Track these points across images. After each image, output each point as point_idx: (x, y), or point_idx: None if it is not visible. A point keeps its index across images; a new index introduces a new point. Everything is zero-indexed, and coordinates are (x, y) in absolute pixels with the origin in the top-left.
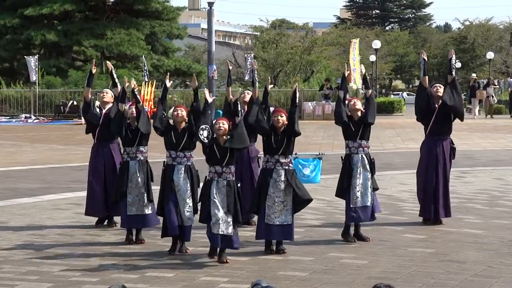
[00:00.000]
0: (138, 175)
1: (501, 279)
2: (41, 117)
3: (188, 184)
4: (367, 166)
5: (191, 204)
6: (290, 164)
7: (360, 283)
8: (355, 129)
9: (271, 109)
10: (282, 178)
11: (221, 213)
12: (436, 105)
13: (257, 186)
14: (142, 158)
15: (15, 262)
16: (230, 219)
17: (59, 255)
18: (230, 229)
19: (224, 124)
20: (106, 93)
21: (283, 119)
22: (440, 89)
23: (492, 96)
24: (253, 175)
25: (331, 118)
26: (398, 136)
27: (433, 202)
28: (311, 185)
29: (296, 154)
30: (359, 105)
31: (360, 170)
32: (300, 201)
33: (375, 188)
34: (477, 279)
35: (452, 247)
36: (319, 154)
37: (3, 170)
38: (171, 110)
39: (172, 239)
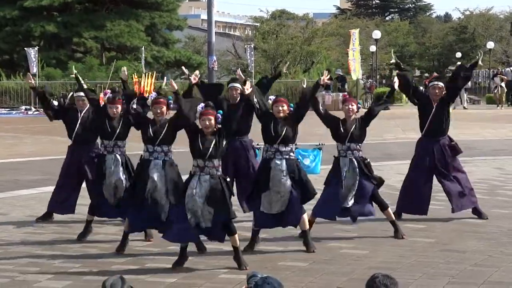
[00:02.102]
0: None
1: (501, 268)
2: (41, 109)
3: (164, 179)
4: (357, 170)
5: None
6: (292, 154)
7: (360, 273)
8: (344, 131)
9: (271, 98)
10: (282, 168)
11: (198, 208)
12: (434, 105)
13: (256, 177)
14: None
15: (15, 254)
16: (210, 213)
17: (59, 247)
18: (207, 223)
19: (211, 120)
20: (83, 101)
21: (284, 108)
22: (440, 90)
23: (501, 87)
24: (251, 166)
25: (332, 109)
26: (398, 126)
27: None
28: (311, 176)
29: (296, 144)
30: (354, 107)
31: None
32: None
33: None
34: (477, 268)
35: (452, 236)
36: (319, 144)
37: (4, 162)
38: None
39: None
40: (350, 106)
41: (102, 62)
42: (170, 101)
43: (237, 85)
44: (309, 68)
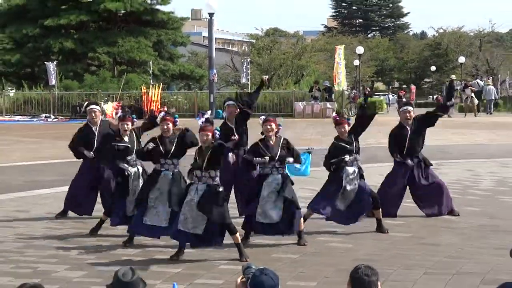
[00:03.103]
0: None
1: (472, 260)
2: (60, 117)
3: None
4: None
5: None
6: (282, 171)
7: (346, 264)
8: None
9: (262, 118)
10: (278, 181)
11: (193, 212)
12: (408, 128)
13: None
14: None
15: (36, 247)
16: (203, 220)
17: (76, 240)
18: (200, 229)
19: (208, 136)
20: (95, 112)
21: (272, 127)
22: (410, 114)
23: (472, 97)
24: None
25: (319, 116)
26: (380, 132)
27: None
28: (302, 177)
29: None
30: (346, 128)
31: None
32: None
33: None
34: (450, 260)
35: (428, 231)
36: (309, 148)
37: (26, 164)
38: (160, 116)
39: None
40: (268, 127)
41: (114, 74)
42: (176, 119)
43: (231, 102)
44: (299, 80)
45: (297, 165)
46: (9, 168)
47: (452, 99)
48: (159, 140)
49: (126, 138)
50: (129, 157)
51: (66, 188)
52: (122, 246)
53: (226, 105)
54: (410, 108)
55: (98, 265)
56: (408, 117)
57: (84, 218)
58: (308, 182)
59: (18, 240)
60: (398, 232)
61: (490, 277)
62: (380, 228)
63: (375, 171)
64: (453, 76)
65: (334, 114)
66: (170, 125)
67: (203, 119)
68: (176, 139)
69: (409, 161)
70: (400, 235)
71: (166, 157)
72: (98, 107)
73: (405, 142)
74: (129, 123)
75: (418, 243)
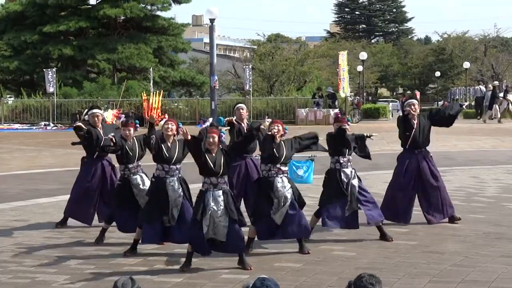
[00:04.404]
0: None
1: (477, 268)
2: (59, 124)
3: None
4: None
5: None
6: (287, 173)
7: (349, 273)
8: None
9: (269, 120)
10: (285, 184)
11: (214, 221)
12: (415, 122)
13: (257, 195)
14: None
15: (35, 257)
16: (224, 228)
17: (75, 250)
18: (223, 236)
19: (215, 138)
20: (97, 117)
21: (279, 128)
22: (414, 107)
23: (510, 102)
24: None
25: (323, 123)
26: (384, 139)
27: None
28: (304, 185)
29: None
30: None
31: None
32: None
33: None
34: (455, 268)
35: (432, 239)
36: (311, 156)
37: (25, 173)
38: (162, 122)
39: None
40: (275, 129)
41: (114, 81)
42: (180, 126)
43: (242, 105)
44: (302, 87)
45: (300, 172)
46: (8, 176)
47: (496, 105)
48: (161, 142)
49: (133, 147)
50: (130, 165)
51: (65, 197)
52: (123, 255)
53: (236, 107)
54: (415, 101)
55: (98, 275)
56: (413, 109)
57: (84, 227)
58: (311, 190)
59: (17, 249)
60: (402, 240)
61: (495, 285)
62: (383, 236)
63: (378, 178)
64: (496, 82)
65: (336, 110)
66: (174, 127)
67: (207, 124)
68: (178, 144)
69: None
70: (404, 243)
71: (170, 163)
72: (100, 111)
73: (411, 134)
74: (131, 129)
75: (423, 251)
